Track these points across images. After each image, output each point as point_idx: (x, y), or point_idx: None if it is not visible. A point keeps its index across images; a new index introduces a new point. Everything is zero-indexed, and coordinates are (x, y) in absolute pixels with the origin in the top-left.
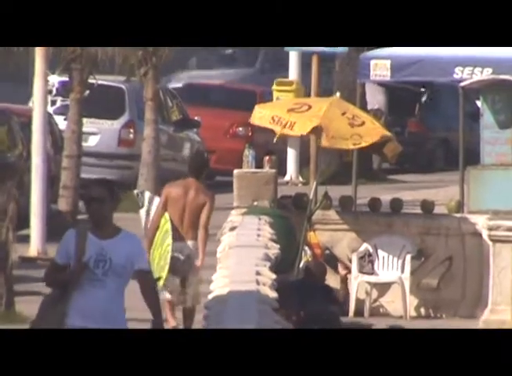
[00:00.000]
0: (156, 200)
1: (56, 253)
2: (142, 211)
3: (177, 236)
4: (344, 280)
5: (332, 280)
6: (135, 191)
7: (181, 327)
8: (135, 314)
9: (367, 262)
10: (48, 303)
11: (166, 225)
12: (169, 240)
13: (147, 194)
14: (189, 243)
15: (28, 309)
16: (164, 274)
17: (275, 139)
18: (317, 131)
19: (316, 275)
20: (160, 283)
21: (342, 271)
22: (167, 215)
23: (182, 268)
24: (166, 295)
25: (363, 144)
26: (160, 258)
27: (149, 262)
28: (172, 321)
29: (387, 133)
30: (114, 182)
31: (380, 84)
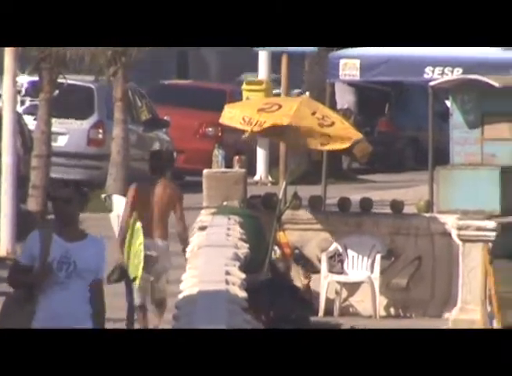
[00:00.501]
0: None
1: (20, 253)
2: (113, 215)
3: (147, 234)
4: (308, 289)
5: (300, 280)
6: (102, 195)
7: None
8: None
9: (337, 262)
10: (13, 303)
11: (136, 224)
12: (141, 238)
13: (115, 197)
14: (158, 241)
15: None
16: (139, 273)
17: (245, 136)
18: (287, 130)
19: (281, 271)
20: (137, 282)
21: (304, 280)
22: (135, 214)
23: (155, 265)
24: (137, 301)
25: (331, 146)
26: (134, 256)
27: (122, 265)
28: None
29: (357, 134)
30: (82, 182)
31: (350, 83)
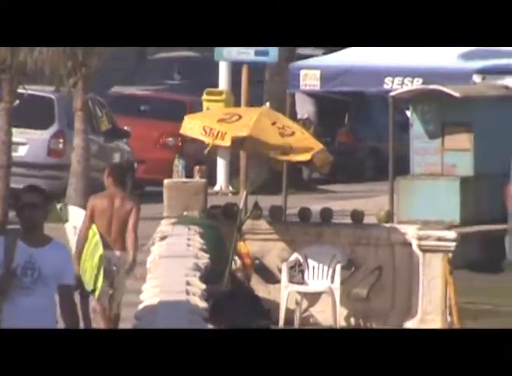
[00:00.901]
0: (82, 213)
1: None
2: (69, 226)
3: (105, 246)
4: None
5: (261, 290)
6: (58, 205)
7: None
8: None
9: (297, 272)
10: None
11: (95, 237)
12: (100, 251)
13: (71, 208)
14: (117, 253)
15: None
16: (100, 285)
17: (206, 150)
18: (247, 140)
19: (241, 282)
20: (96, 294)
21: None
22: (94, 227)
23: (115, 278)
24: (98, 304)
25: (292, 157)
26: (93, 269)
27: (76, 276)
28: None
29: (318, 144)
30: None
31: (310, 94)
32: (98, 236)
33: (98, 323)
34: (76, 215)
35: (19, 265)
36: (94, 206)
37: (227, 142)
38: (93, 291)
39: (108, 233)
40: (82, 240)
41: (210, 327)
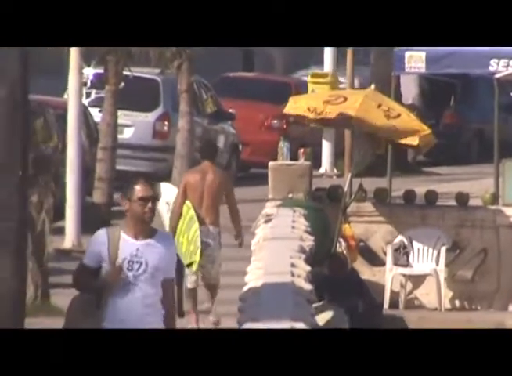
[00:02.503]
0: (173, 189)
1: (86, 255)
2: (161, 202)
3: (200, 221)
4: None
5: (367, 273)
6: None
7: (202, 326)
8: None
9: (402, 254)
10: (79, 308)
11: (190, 212)
12: (196, 225)
13: (163, 185)
14: (210, 227)
15: (63, 301)
16: (197, 258)
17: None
18: (352, 122)
19: (346, 264)
20: (193, 267)
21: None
22: (188, 202)
23: (212, 253)
24: (188, 285)
25: (399, 139)
26: (189, 243)
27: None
28: (193, 316)
29: (423, 126)
30: (148, 175)
31: (415, 76)
32: (192, 211)
33: (189, 303)
34: (168, 191)
35: (125, 259)
36: (187, 181)
37: (332, 115)
38: (189, 264)
39: (200, 206)
40: (176, 215)
41: (313, 310)
